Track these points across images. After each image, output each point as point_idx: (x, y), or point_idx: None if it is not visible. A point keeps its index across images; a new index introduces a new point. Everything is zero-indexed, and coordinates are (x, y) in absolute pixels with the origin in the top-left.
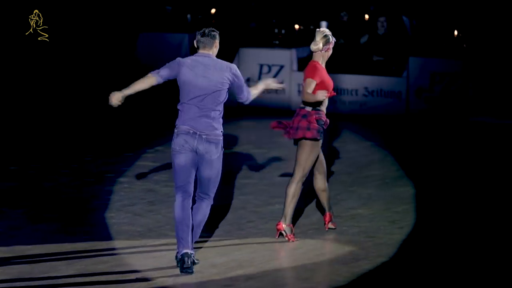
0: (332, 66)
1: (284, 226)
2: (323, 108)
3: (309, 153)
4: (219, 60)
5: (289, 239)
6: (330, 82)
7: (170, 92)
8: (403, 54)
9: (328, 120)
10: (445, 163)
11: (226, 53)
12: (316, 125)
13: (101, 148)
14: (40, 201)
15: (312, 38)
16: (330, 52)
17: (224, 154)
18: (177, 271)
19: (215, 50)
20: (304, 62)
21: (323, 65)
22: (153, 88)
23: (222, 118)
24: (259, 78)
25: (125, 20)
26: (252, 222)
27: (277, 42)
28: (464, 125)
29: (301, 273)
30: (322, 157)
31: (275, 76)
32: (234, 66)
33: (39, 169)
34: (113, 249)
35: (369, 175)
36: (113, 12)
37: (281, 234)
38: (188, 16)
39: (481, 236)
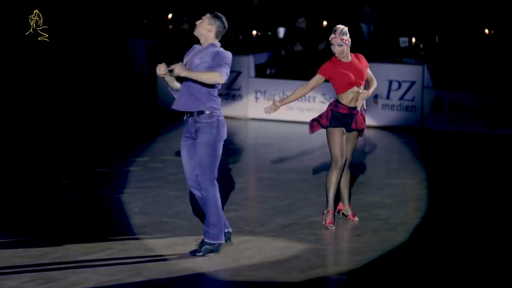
0: (290, 73)
1: (343, 207)
2: (344, 102)
3: (330, 141)
4: (216, 47)
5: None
6: (344, 75)
7: (127, 99)
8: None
9: (351, 113)
10: (400, 171)
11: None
12: (328, 113)
13: (56, 154)
14: None
15: (269, 44)
16: (331, 44)
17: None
18: (128, 278)
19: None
20: (262, 69)
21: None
22: (110, 95)
23: (216, 98)
24: None
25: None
26: None
27: (234, 48)
28: (420, 132)
29: (257, 281)
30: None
31: (232, 83)
32: (218, 51)
33: None
34: (67, 256)
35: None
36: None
37: (343, 214)
38: (145, 21)
39: (442, 243)
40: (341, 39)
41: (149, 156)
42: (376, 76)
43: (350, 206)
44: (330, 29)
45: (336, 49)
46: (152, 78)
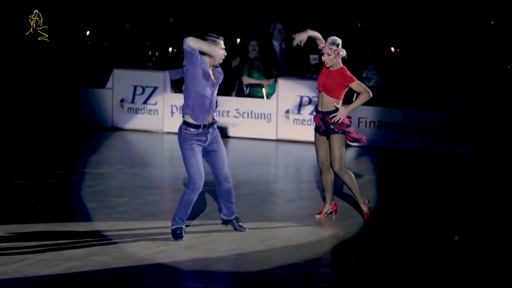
0: None
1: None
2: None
3: None
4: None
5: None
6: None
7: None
8: (274, 77)
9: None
10: (312, 181)
11: (100, 74)
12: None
13: None
14: None
15: (183, 59)
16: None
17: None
18: None
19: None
20: (178, 84)
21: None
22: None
23: (188, 109)
24: (133, 100)
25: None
26: (125, 241)
27: (150, 64)
28: None
29: None
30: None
31: (148, 98)
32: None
33: None
34: None
35: (240, 195)
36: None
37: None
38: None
39: (348, 253)
40: (329, 48)
41: (67, 168)
42: (287, 92)
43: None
44: (244, 46)
45: (325, 57)
46: (73, 97)
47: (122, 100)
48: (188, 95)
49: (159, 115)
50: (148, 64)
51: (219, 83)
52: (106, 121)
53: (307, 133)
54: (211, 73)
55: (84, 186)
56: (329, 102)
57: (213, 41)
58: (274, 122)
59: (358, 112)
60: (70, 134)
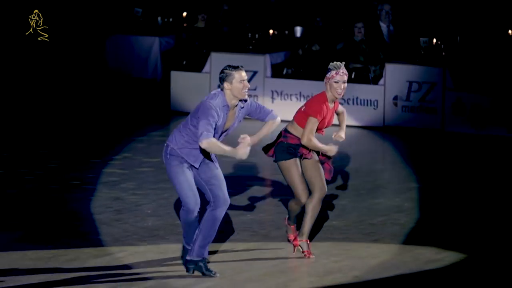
0: (308, 72)
1: (300, 242)
2: (295, 133)
3: (286, 177)
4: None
5: (306, 255)
6: (324, 121)
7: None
8: (381, 61)
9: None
10: (421, 174)
11: (198, 58)
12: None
13: (67, 154)
14: (3, 208)
15: (285, 42)
16: (335, 82)
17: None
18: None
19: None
20: (278, 68)
21: (330, 100)
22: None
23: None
24: None
25: (94, 22)
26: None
27: (250, 47)
28: (440, 135)
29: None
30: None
31: (249, 82)
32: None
33: (2, 175)
34: (78, 259)
35: (343, 186)
36: (82, 15)
37: (298, 250)
38: (159, 18)
39: (465, 249)
40: (346, 74)
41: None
42: (396, 77)
43: (306, 240)
44: (349, 28)
45: (342, 86)
46: (166, 80)
47: (219, 86)
48: (187, 131)
49: (258, 100)
50: (247, 47)
51: (238, 120)
52: None
53: (417, 120)
54: (226, 119)
55: None
56: None
57: (229, 74)
58: (381, 109)
59: (472, 100)
60: (165, 124)
